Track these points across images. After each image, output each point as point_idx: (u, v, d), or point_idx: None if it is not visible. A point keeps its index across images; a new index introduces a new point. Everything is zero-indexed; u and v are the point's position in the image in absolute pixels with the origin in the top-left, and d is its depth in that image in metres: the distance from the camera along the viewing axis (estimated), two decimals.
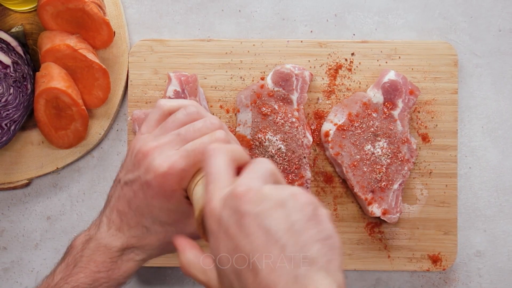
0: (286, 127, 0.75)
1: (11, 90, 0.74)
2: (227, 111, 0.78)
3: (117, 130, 0.80)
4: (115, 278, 0.58)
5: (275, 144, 0.75)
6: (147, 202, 0.55)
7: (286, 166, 0.74)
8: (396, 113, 0.76)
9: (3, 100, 0.73)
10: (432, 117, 0.78)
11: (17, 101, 0.74)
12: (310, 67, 0.78)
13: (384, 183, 0.75)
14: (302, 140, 0.75)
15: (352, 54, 0.78)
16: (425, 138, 0.78)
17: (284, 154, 0.74)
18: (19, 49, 0.75)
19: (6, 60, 0.74)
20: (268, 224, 0.42)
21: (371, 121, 0.76)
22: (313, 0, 0.81)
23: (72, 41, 0.74)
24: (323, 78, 0.78)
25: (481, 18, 0.81)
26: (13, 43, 0.75)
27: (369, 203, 0.75)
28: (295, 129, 0.75)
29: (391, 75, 0.75)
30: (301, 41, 0.78)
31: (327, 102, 0.78)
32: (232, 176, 0.48)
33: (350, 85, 0.78)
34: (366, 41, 0.79)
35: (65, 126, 0.76)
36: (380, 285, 0.79)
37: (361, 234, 0.77)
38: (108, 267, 0.57)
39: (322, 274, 0.41)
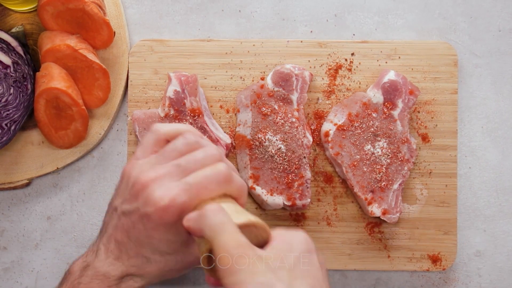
0: (286, 127, 0.75)
1: (11, 90, 0.74)
2: (227, 111, 0.78)
3: (117, 130, 0.80)
4: None
5: (275, 144, 0.75)
6: (147, 233, 0.54)
7: (286, 166, 0.74)
8: (396, 113, 0.76)
9: (3, 100, 0.73)
10: (432, 117, 0.78)
11: (17, 101, 0.74)
12: (310, 67, 0.78)
13: (384, 183, 0.75)
14: (302, 140, 0.75)
15: (352, 54, 0.78)
16: (425, 138, 0.78)
17: (284, 154, 0.74)
18: (19, 49, 0.75)
19: (7, 60, 0.74)
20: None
21: (371, 121, 0.76)
22: (313, 0, 0.81)
23: (72, 41, 0.74)
24: (323, 78, 0.78)
25: (480, 18, 0.81)
26: (13, 43, 0.75)
27: (369, 203, 0.75)
28: (295, 129, 0.75)
29: (391, 75, 0.76)
30: (301, 41, 0.79)
31: (327, 102, 0.78)
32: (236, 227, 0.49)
33: (350, 85, 0.78)
34: (366, 41, 0.79)
35: (65, 126, 0.76)
36: (380, 285, 0.79)
37: (361, 234, 0.77)
38: None
39: None
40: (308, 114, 0.78)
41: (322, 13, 0.81)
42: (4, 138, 0.74)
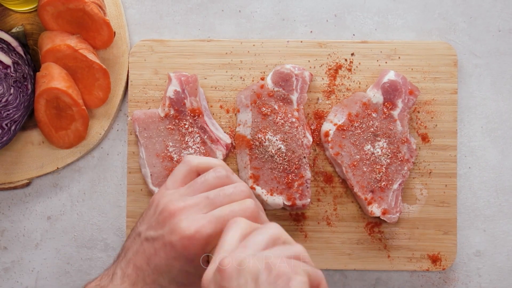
0: (286, 127, 0.75)
1: (12, 90, 0.74)
2: (227, 111, 0.78)
3: (118, 130, 0.80)
4: None
5: (275, 144, 0.75)
6: (168, 262, 0.54)
7: (286, 166, 0.74)
8: (395, 113, 0.76)
9: (3, 100, 0.74)
10: (432, 117, 0.78)
11: (17, 101, 0.74)
12: (310, 67, 0.78)
13: (384, 183, 0.75)
14: (302, 140, 0.75)
15: (352, 54, 0.79)
16: (424, 138, 0.78)
17: (284, 154, 0.75)
18: (19, 49, 0.75)
19: (7, 60, 0.74)
20: None
21: (371, 121, 0.76)
22: (313, 0, 0.81)
23: (73, 41, 0.74)
24: (323, 78, 0.78)
25: (480, 19, 0.81)
26: (14, 43, 0.75)
27: (369, 203, 0.75)
28: (295, 129, 0.75)
29: (390, 75, 0.76)
30: (301, 41, 0.79)
31: (327, 102, 0.78)
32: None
33: (350, 85, 0.78)
34: (366, 42, 0.79)
35: (65, 126, 0.76)
36: (379, 285, 0.79)
37: (361, 234, 0.77)
38: None
39: None
40: (308, 114, 0.78)
41: (322, 13, 0.81)
42: (5, 138, 0.75)
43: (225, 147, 0.75)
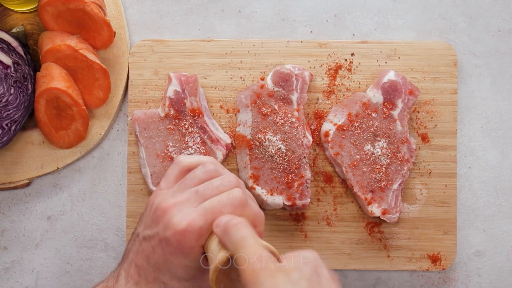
0: (286, 127, 0.75)
1: (12, 90, 0.74)
2: (227, 111, 0.78)
3: (118, 130, 0.80)
4: None
5: (275, 144, 0.75)
6: (166, 258, 0.56)
7: (286, 166, 0.74)
8: (395, 113, 0.76)
9: (4, 100, 0.74)
10: (432, 117, 0.78)
11: (17, 101, 0.74)
12: (310, 67, 0.78)
13: (384, 183, 0.75)
14: (302, 140, 0.75)
15: (352, 54, 0.79)
16: (424, 138, 0.78)
17: (284, 154, 0.75)
18: (19, 50, 0.75)
19: (7, 60, 0.74)
20: None
21: (371, 121, 0.76)
22: (313, 0, 0.81)
23: (73, 42, 0.75)
24: (323, 78, 0.79)
25: (480, 19, 0.81)
26: (14, 43, 0.75)
27: (369, 203, 0.75)
28: (295, 129, 0.75)
29: (390, 75, 0.76)
30: (301, 42, 0.79)
31: (327, 102, 0.78)
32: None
33: (349, 85, 0.78)
34: (366, 42, 0.79)
35: (65, 126, 0.76)
36: (379, 285, 0.79)
37: (360, 234, 0.77)
38: None
39: None
40: (308, 114, 0.78)
41: (322, 13, 0.81)
42: (5, 138, 0.75)
43: (225, 147, 0.75)
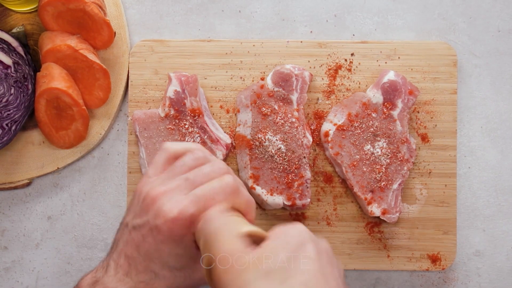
0: (286, 127, 0.75)
1: (12, 91, 0.74)
2: (227, 111, 0.78)
3: (118, 130, 0.80)
4: None
5: (275, 144, 0.75)
6: (156, 247, 0.55)
7: (286, 166, 0.75)
8: (395, 113, 0.76)
9: (4, 100, 0.74)
10: (432, 117, 0.78)
11: (18, 101, 0.75)
12: (310, 67, 0.78)
13: (384, 183, 0.75)
14: (302, 140, 0.75)
15: (352, 54, 0.79)
16: (424, 138, 0.78)
17: (284, 154, 0.75)
18: (20, 50, 0.75)
19: (7, 60, 0.74)
20: None
21: (371, 121, 0.76)
22: (313, 0, 0.81)
23: (73, 42, 0.75)
24: (322, 79, 0.79)
25: (480, 19, 0.81)
26: (14, 43, 0.75)
27: (369, 203, 0.75)
28: (295, 129, 0.75)
29: (390, 76, 0.76)
30: (301, 42, 0.79)
31: (326, 102, 0.78)
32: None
33: (349, 85, 0.78)
34: (366, 42, 0.79)
35: (65, 126, 0.76)
36: (379, 285, 0.79)
37: (360, 234, 0.77)
38: None
39: None
40: (308, 114, 0.78)
41: (322, 14, 0.81)
42: (5, 138, 0.75)
43: (225, 147, 0.76)
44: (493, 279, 0.79)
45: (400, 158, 0.76)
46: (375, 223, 0.77)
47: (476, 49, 0.81)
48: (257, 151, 0.75)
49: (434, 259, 0.77)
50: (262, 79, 0.78)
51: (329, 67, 0.78)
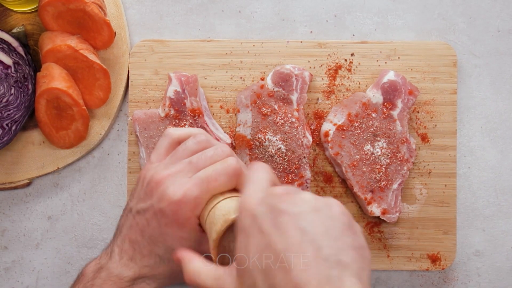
0: (286, 127, 0.75)
1: (12, 91, 0.74)
2: (227, 111, 0.78)
3: (118, 130, 0.80)
4: None
5: (275, 144, 0.75)
6: (161, 230, 0.55)
7: (286, 166, 0.75)
8: (395, 113, 0.76)
9: (4, 100, 0.74)
10: (431, 117, 0.78)
11: (18, 101, 0.75)
12: (310, 67, 0.78)
13: (384, 183, 0.75)
14: (302, 140, 0.75)
15: (352, 54, 0.79)
16: (424, 138, 0.78)
17: (284, 154, 0.75)
18: (20, 50, 0.75)
19: (7, 60, 0.74)
20: (305, 225, 0.43)
21: (371, 121, 0.76)
22: (313, 0, 0.81)
23: (73, 42, 0.75)
24: (322, 79, 0.79)
25: (480, 19, 0.81)
26: (14, 43, 0.75)
27: (369, 203, 0.75)
28: (295, 129, 0.75)
29: (390, 76, 0.76)
30: (301, 42, 0.79)
31: (326, 102, 0.78)
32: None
33: (349, 85, 0.78)
34: (366, 42, 0.79)
35: (66, 126, 0.76)
36: (379, 284, 0.79)
37: None
38: None
39: (354, 280, 0.41)
40: (308, 114, 0.78)
41: (321, 14, 0.81)
42: (5, 138, 0.75)
43: None
44: (493, 279, 0.79)
45: (400, 158, 0.76)
46: (375, 223, 0.78)
47: (476, 49, 0.81)
48: (257, 151, 0.75)
49: (434, 259, 0.77)
50: (262, 79, 0.78)
51: (329, 67, 0.79)
